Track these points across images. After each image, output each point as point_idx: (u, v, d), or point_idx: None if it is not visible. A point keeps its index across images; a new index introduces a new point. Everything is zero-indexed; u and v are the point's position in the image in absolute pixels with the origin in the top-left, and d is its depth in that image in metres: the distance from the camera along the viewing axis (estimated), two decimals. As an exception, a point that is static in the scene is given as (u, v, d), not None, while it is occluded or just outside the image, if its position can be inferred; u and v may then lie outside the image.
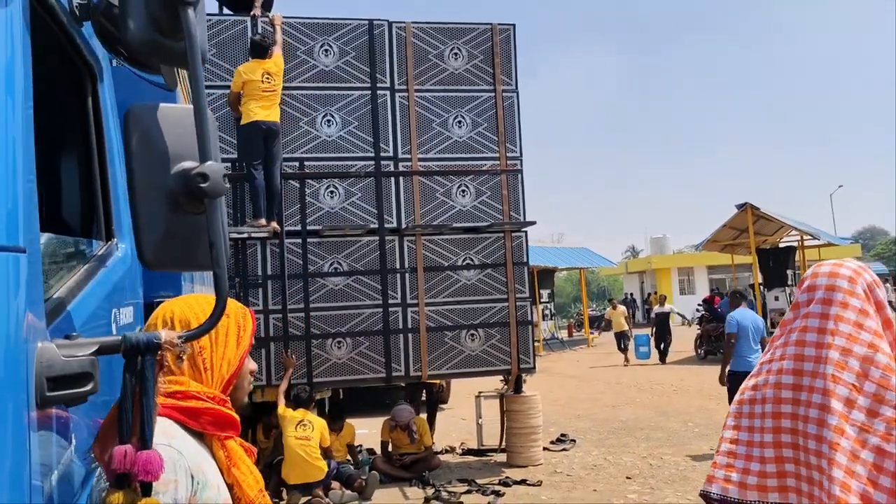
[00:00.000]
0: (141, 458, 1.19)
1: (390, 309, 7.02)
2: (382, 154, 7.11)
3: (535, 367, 7.62)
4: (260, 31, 6.84)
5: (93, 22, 1.67)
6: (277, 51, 6.60)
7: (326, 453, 6.41)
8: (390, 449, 7.39)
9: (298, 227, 6.88)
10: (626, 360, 17.63)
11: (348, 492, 6.46)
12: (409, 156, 7.16)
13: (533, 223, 7.35)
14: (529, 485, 6.72)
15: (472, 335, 7.18)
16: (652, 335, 18.16)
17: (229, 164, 6.70)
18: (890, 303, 1.84)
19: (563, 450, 8.21)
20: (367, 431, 8.67)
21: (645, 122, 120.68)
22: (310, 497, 6.20)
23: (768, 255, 17.13)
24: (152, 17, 1.31)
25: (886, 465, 1.66)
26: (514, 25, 7.51)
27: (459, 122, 7.29)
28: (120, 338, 1.20)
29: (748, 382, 1.92)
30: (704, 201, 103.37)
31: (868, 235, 65.89)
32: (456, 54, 7.34)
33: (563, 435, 8.85)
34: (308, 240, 6.90)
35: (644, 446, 8.25)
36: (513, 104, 7.42)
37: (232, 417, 1.51)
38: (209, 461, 1.45)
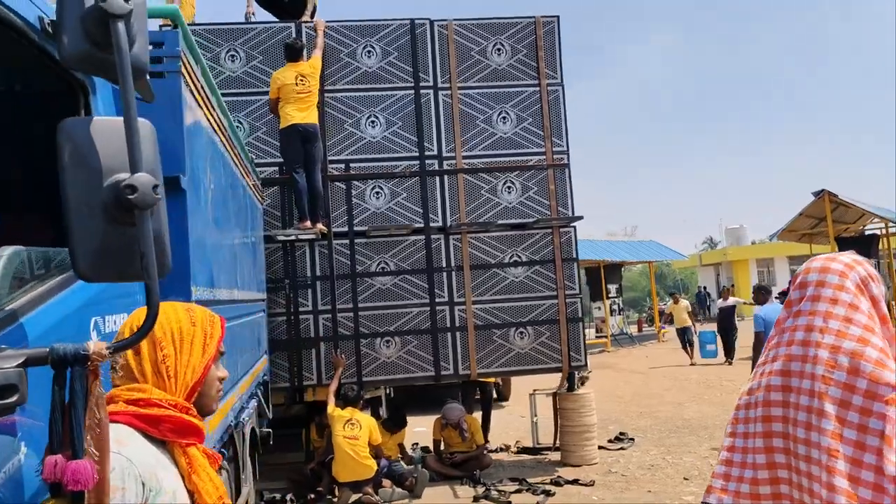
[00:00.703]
0: (70, 469, 1.21)
1: (438, 307, 7.02)
2: (427, 153, 7.11)
3: (587, 365, 7.46)
4: (304, 36, 6.97)
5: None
6: (317, 53, 6.71)
7: (376, 451, 6.48)
8: (442, 447, 7.40)
9: (345, 229, 6.97)
10: (691, 358, 16.83)
11: (399, 489, 6.51)
12: (453, 154, 7.13)
13: (580, 218, 7.20)
14: (582, 484, 6.60)
15: (521, 333, 7.10)
16: (718, 332, 17.40)
17: (276, 169, 6.86)
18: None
19: (621, 448, 8.02)
20: (425, 429, 8.71)
21: (717, 107, 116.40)
22: (360, 494, 6.27)
23: (849, 244, 16.22)
24: (86, 31, 1.33)
25: (888, 470, 1.53)
26: (557, 17, 7.37)
27: (504, 117, 7.21)
28: (48, 349, 1.22)
29: (744, 387, 1.82)
30: (785, 189, 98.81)
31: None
32: (499, 50, 7.27)
33: (621, 433, 8.65)
34: (355, 240, 6.98)
35: (706, 446, 7.96)
36: (558, 98, 7.29)
37: (193, 425, 1.53)
38: (168, 468, 1.47)
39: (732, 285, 29.29)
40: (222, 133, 3.81)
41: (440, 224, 7.08)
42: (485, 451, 7.46)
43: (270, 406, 6.20)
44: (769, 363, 1.73)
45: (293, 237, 6.73)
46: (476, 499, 6.33)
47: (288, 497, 6.48)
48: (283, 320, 6.85)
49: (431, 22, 7.22)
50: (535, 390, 8.39)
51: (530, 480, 6.73)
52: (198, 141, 3.05)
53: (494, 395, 12.14)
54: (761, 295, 7.20)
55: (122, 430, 1.41)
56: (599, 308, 22.73)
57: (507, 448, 8.37)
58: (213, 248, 3.35)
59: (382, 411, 8.24)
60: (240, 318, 4.22)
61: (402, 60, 7.16)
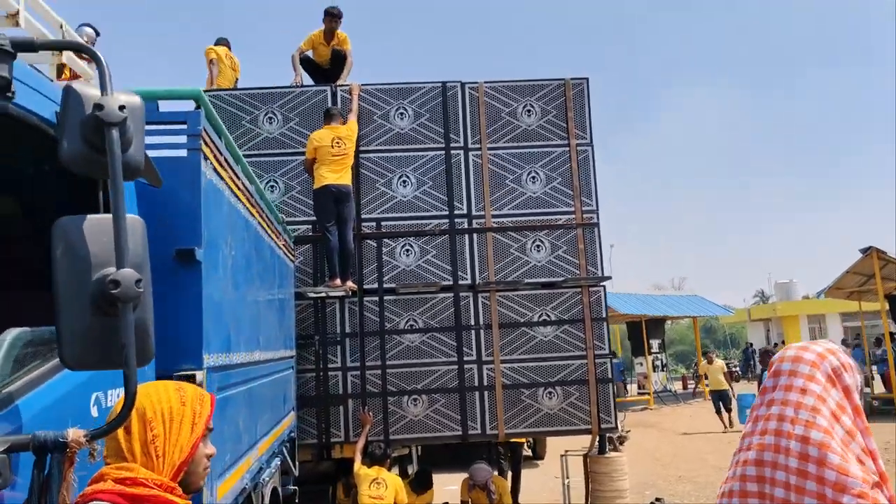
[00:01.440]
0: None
1: (466, 366, 7.01)
2: (456, 212, 7.21)
3: (617, 427, 7.30)
4: (339, 99, 7.22)
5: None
6: (352, 118, 6.92)
7: (402, 512, 6.40)
8: (470, 509, 7.27)
9: (375, 286, 7.06)
10: (726, 424, 15.23)
11: (424, 552, 6.41)
12: (482, 213, 7.22)
13: (608, 278, 7.16)
14: (611, 553, 6.40)
15: (550, 393, 7.02)
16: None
17: (309, 227, 7.03)
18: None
19: (656, 515, 7.77)
20: (455, 488, 8.58)
21: (768, 160, 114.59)
22: (385, 556, 6.19)
23: (899, 302, 15.69)
24: (84, 136, 1.45)
25: None
26: (587, 79, 7.48)
27: (533, 177, 7.29)
28: (30, 437, 1.30)
29: (725, 474, 1.80)
30: (838, 245, 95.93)
31: None
32: (529, 111, 7.39)
33: (657, 499, 8.37)
34: (384, 297, 7.06)
35: (746, 515, 7.63)
36: (587, 157, 7.35)
37: (175, 504, 1.58)
38: (150, 546, 1.52)
39: (783, 341, 28.38)
40: (247, 199, 3.96)
41: (469, 282, 7.12)
42: (513, 515, 7.31)
43: (297, 463, 6.22)
44: (743, 451, 1.73)
45: (323, 294, 6.84)
46: (501, 565, 6.19)
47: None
48: (312, 376, 6.92)
49: (462, 84, 7.41)
50: (566, 451, 8.22)
51: (558, 547, 6.56)
52: (218, 212, 3.19)
53: (529, 453, 11.96)
54: (765, 360, 7.00)
55: (108, 509, 1.47)
56: (641, 364, 22.27)
57: (537, 511, 8.19)
58: (231, 312, 3.45)
59: (412, 468, 8.17)
60: (259, 378, 4.29)
61: (434, 122, 7.34)
